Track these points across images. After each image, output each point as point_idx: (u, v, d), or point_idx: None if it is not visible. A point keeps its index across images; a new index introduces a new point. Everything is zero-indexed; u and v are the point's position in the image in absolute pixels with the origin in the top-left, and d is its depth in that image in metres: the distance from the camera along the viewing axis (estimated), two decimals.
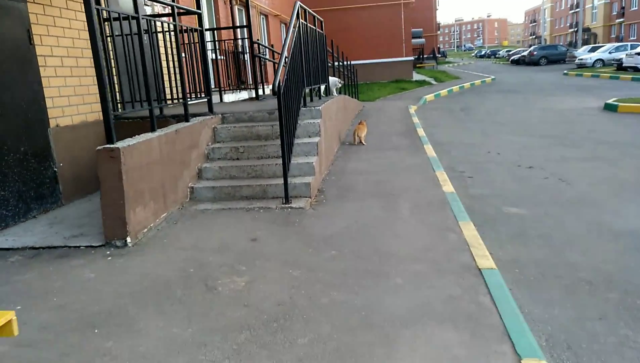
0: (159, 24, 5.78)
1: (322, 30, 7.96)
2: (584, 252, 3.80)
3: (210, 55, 9.59)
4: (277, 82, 4.41)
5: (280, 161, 4.82)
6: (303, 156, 5.43)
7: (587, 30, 59.65)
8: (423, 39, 43.14)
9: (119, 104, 5.31)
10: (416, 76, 27.93)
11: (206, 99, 6.05)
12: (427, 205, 4.76)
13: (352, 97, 13.77)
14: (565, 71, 28.04)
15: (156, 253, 3.74)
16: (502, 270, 3.36)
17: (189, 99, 5.99)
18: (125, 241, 3.82)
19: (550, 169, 6.51)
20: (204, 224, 4.35)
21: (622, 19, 53.86)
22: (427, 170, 6.33)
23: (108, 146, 3.75)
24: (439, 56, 55.60)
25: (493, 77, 27.91)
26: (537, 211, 4.84)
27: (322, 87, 8.36)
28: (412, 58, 27.60)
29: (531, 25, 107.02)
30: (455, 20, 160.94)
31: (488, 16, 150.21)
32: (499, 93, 19.04)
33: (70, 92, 5.26)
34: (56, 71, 5.09)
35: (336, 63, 10.50)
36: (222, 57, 10.06)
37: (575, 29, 59.70)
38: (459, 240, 3.79)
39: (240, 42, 9.72)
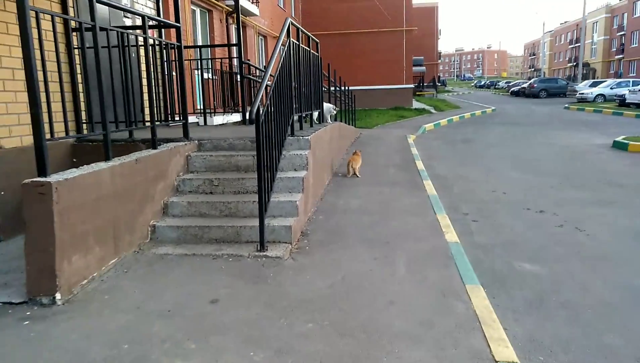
0: (132, 37, 5.16)
1: (317, 52, 7.36)
2: (621, 330, 3.07)
3: (199, 74, 9.00)
4: (256, 108, 3.74)
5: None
6: (286, 193, 4.72)
7: (586, 65, 59.92)
8: (424, 67, 43.03)
9: (84, 125, 4.65)
10: (416, 104, 27.52)
11: (182, 123, 5.37)
12: (427, 259, 4.04)
13: (349, 124, 13.17)
14: (566, 105, 27.68)
15: (89, 316, 2.99)
16: (524, 359, 2.63)
17: (163, 122, 5.33)
18: (54, 297, 3.08)
19: (564, 215, 5.81)
20: (160, 276, 3.61)
21: (621, 55, 54.20)
22: (427, 212, 5.63)
23: (37, 179, 3.04)
24: (439, 84, 55.58)
25: (494, 107, 27.51)
26: (555, 269, 4.12)
27: (315, 113, 7.73)
28: (412, 86, 27.26)
29: (530, 58, 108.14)
30: (456, 50, 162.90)
31: (488, 47, 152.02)
32: (501, 125, 18.52)
33: (21, 110, 4.58)
34: (5, 84, 4.42)
35: (332, 88, 9.91)
36: (214, 77, 9.46)
37: (575, 63, 60.08)
38: (467, 313, 3.06)
39: (235, 61, 9.13)
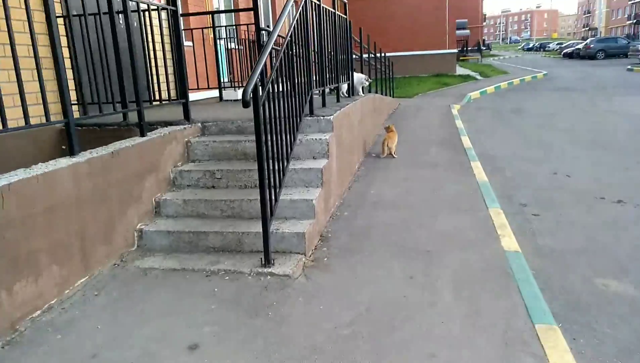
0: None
1: (345, 14, 6.33)
2: None
3: (222, 44, 8.15)
4: (252, 85, 2.85)
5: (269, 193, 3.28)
6: (301, 188, 3.86)
7: None
8: (468, 31, 40.57)
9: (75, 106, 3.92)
10: (459, 70, 25.76)
11: (182, 102, 4.56)
12: (480, 278, 3.10)
13: (386, 94, 12.06)
14: (629, 67, 25.16)
15: None
16: None
17: (159, 101, 4.53)
18: None
19: None
20: (135, 302, 2.86)
21: None
22: (477, 205, 4.64)
23: None
24: (484, 48, 52.49)
25: (545, 72, 25.37)
26: None
27: (344, 86, 6.75)
28: (455, 51, 25.49)
29: (584, 16, 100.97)
30: (502, 12, 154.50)
31: (537, 7, 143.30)
32: (555, 91, 16.83)
33: None
34: None
35: (365, 55, 8.84)
36: (238, 47, 8.59)
37: (635, 20, 55.23)
38: None
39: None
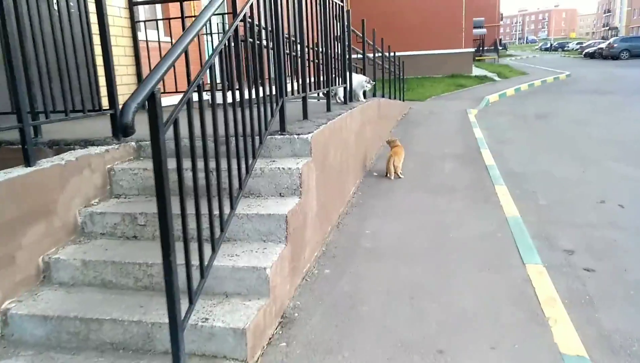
0: None
1: (341, 1, 5.11)
2: None
3: (216, 39, 6.94)
4: (136, 103, 1.64)
5: (207, 252, 2.09)
6: (256, 244, 2.64)
7: None
8: (484, 29, 38.97)
9: None
10: (476, 71, 24.30)
11: (110, 113, 3.37)
12: None
13: (396, 96, 10.80)
14: None
15: None
16: None
17: (79, 112, 3.35)
18: None
19: None
20: None
21: None
22: (509, 255, 3.38)
23: None
24: (501, 48, 50.76)
25: (567, 73, 23.81)
26: None
27: (340, 90, 5.53)
28: (472, 50, 24.07)
29: (604, 15, 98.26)
30: (519, 11, 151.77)
31: (556, 6, 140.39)
32: (582, 94, 15.38)
33: None
34: None
35: (370, 54, 7.61)
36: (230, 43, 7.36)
37: None
38: None
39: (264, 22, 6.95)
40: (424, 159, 6.59)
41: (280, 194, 2.93)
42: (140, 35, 5.48)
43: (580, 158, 6.83)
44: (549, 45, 75.54)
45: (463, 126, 9.73)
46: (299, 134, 3.20)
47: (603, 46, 37.92)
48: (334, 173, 3.97)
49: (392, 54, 9.75)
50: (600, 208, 4.68)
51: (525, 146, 7.86)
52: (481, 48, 39.79)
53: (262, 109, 2.86)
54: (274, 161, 3.07)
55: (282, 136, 3.22)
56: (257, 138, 2.79)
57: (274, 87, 3.20)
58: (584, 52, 42.58)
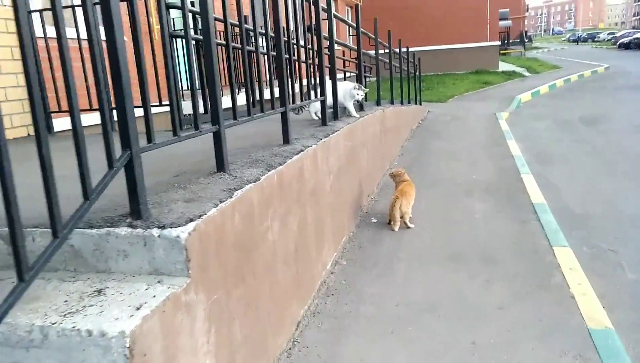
0: None
1: None
2: None
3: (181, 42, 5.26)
4: None
5: None
6: None
7: None
8: (510, 21, 36.52)
9: None
10: (502, 65, 22.16)
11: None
12: None
13: (410, 101, 8.94)
14: None
15: None
16: None
17: None
18: None
19: None
20: None
21: None
22: None
23: None
24: (526, 41, 47.97)
25: (606, 65, 21.50)
26: None
27: (315, 106, 3.77)
28: (497, 43, 21.94)
29: (635, 4, 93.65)
30: (544, 2, 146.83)
31: None
32: (632, 90, 13.23)
33: None
34: None
35: (378, 51, 5.81)
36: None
37: None
38: None
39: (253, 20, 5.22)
40: (443, 194, 4.78)
41: None
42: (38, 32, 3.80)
43: None
44: (577, 36, 71.92)
45: (494, 136, 7.85)
46: (163, 227, 1.46)
47: (639, 35, 35.15)
48: (270, 278, 2.22)
49: (404, 50, 7.92)
50: None
51: (578, 167, 5.95)
52: (506, 41, 37.36)
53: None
54: (92, 299, 1.34)
55: (130, 229, 1.48)
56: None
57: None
58: (618, 43, 39.72)
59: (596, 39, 60.88)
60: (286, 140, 2.81)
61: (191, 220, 1.54)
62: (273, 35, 2.73)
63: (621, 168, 5.76)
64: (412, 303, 2.71)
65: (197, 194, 1.79)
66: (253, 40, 2.64)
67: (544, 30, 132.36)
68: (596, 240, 3.63)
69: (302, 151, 2.66)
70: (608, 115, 9.53)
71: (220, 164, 2.09)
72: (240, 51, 2.24)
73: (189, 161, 2.40)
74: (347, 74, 7.36)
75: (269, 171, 2.19)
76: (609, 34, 58.36)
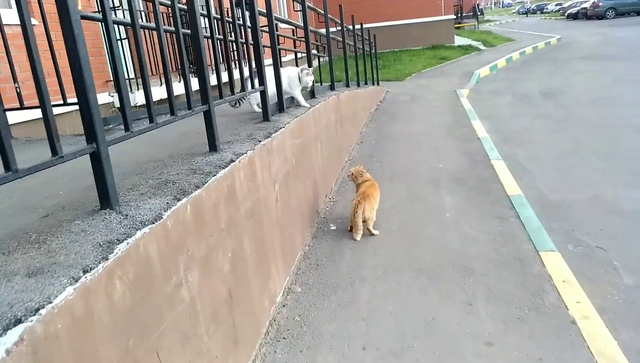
0: None
1: None
2: None
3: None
4: None
5: None
6: None
7: None
8: None
9: None
10: (458, 40, 21.87)
11: None
12: None
13: (367, 82, 8.40)
14: None
15: None
16: None
17: None
18: None
19: None
20: None
21: None
22: None
23: None
24: (479, 14, 48.12)
25: (557, 36, 21.58)
26: None
27: (255, 97, 3.15)
28: (453, 17, 21.60)
29: None
30: None
31: None
32: (586, 61, 13.13)
33: None
34: None
35: (323, 29, 5.20)
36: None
37: None
38: None
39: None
40: (409, 187, 4.28)
41: None
42: None
43: (636, 163, 4.59)
44: (526, 8, 73.10)
45: (457, 115, 7.43)
46: None
47: (587, 5, 35.74)
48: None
49: (357, 26, 7.33)
50: None
51: (546, 146, 5.57)
52: (460, 15, 37.30)
53: None
54: None
55: None
56: None
57: None
58: (566, 14, 40.41)
59: (544, 10, 61.96)
60: (212, 147, 2.20)
61: (19, 321, 0.93)
62: (185, 7, 2.09)
63: (587, 145, 5.41)
64: (380, 343, 2.19)
65: (53, 258, 1.17)
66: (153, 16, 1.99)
67: (494, 3, 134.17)
68: (581, 235, 3.22)
69: (232, 162, 2.06)
70: (565, 87, 9.29)
71: (105, 197, 1.47)
72: (132, 27, 1.60)
73: (72, 188, 1.76)
74: (299, 55, 6.72)
75: (179, 200, 1.58)
76: (556, 4, 59.43)
